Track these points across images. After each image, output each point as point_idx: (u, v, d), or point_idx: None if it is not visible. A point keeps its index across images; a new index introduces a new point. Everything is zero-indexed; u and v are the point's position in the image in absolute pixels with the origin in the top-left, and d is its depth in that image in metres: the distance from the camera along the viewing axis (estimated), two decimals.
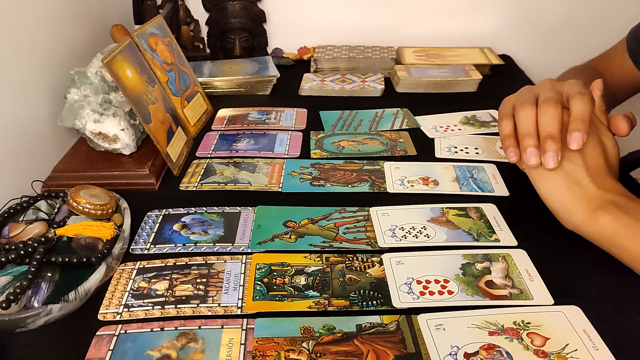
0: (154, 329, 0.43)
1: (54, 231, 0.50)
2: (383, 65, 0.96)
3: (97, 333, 0.43)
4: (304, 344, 0.41)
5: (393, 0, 1.03)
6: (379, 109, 0.83)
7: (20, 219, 0.54)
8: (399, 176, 0.64)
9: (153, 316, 0.45)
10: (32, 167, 0.63)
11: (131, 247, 0.53)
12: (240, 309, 0.45)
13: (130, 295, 0.47)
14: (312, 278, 0.48)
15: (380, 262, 0.50)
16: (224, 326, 0.43)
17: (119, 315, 0.45)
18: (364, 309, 0.45)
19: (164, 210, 0.59)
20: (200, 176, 0.65)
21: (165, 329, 0.43)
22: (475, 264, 0.49)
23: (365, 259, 0.50)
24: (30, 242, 0.47)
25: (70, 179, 0.62)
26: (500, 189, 0.61)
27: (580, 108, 0.47)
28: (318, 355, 0.40)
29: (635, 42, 0.70)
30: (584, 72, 0.72)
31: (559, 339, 0.41)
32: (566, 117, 0.49)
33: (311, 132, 0.76)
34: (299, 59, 1.05)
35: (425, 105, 0.84)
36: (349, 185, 0.63)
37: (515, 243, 0.52)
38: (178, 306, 0.46)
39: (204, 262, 0.51)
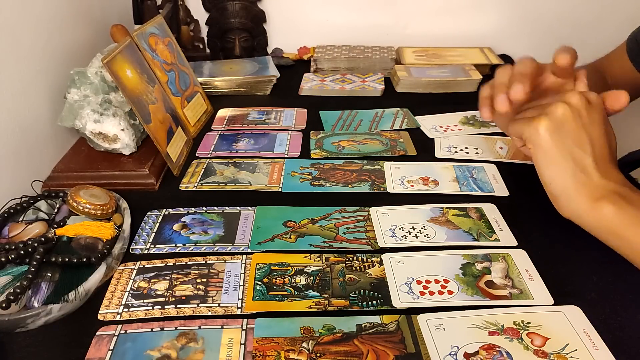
0: (154, 329, 0.43)
1: (54, 231, 0.50)
2: (383, 65, 0.96)
3: (97, 333, 0.43)
4: (304, 344, 0.41)
5: (393, 0, 1.03)
6: (379, 109, 0.83)
7: (20, 219, 0.54)
8: (399, 176, 0.64)
9: (153, 316, 0.45)
10: (32, 167, 0.63)
11: (131, 247, 0.53)
12: (240, 309, 0.45)
13: (130, 295, 0.47)
14: (312, 278, 0.48)
15: (380, 262, 0.50)
16: (224, 326, 0.43)
17: (119, 315, 0.45)
18: (364, 309, 0.45)
19: (164, 210, 0.59)
20: (200, 176, 0.65)
21: (165, 329, 0.43)
22: (475, 264, 0.49)
23: (365, 259, 0.50)
24: (30, 242, 0.47)
25: (70, 179, 0.62)
26: (500, 189, 0.61)
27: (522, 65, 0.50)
28: (318, 355, 0.40)
29: (636, 44, 0.70)
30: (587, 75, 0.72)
31: (559, 339, 0.41)
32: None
33: (311, 132, 0.76)
34: (299, 59, 1.05)
35: (425, 105, 0.84)
36: (349, 185, 0.63)
37: (515, 243, 0.52)
38: (178, 306, 0.46)
39: (204, 262, 0.51)
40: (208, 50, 1.06)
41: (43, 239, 0.48)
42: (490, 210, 0.57)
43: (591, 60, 0.78)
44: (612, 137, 0.50)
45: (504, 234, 0.53)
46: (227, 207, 0.59)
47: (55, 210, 0.55)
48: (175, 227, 0.56)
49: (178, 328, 0.43)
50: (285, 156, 0.70)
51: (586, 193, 0.46)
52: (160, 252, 0.52)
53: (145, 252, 0.53)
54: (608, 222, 0.45)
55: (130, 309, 0.45)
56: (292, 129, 0.77)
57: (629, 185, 0.47)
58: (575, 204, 0.47)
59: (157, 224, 0.56)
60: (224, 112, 0.83)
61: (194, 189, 0.63)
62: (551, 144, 0.47)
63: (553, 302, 0.45)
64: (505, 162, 0.66)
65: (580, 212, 0.47)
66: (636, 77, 0.70)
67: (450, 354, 0.40)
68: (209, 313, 0.45)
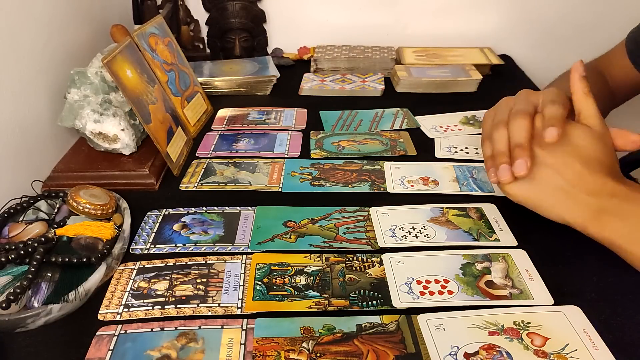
0: (154, 329, 0.43)
1: (54, 231, 0.50)
2: (383, 65, 0.96)
3: (97, 333, 0.43)
4: (304, 344, 0.41)
5: (393, 0, 1.03)
6: (379, 109, 0.83)
7: (20, 219, 0.54)
8: (399, 176, 0.64)
9: (153, 316, 0.45)
10: (32, 167, 0.63)
11: (131, 247, 0.53)
12: (240, 309, 0.45)
13: (130, 295, 0.47)
14: (312, 278, 0.48)
15: (380, 262, 0.50)
16: (224, 326, 0.43)
17: (119, 315, 0.45)
18: (364, 309, 0.45)
19: (164, 210, 0.59)
20: (200, 176, 0.65)
21: (165, 329, 0.43)
22: (475, 264, 0.49)
23: (365, 259, 0.50)
24: (30, 242, 0.47)
25: (70, 179, 0.62)
26: None
27: (551, 112, 0.48)
28: (318, 355, 0.40)
29: (634, 43, 0.70)
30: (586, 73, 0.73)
31: (559, 339, 0.41)
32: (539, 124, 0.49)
33: (311, 132, 0.76)
34: (299, 59, 1.05)
35: (425, 105, 0.84)
36: (349, 185, 0.63)
37: (515, 243, 0.52)
38: (178, 306, 0.46)
39: (204, 262, 0.51)
40: (208, 50, 1.06)
41: (43, 239, 0.48)
42: (490, 210, 0.57)
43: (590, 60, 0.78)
44: (581, 145, 0.47)
45: (504, 234, 0.53)
46: (227, 207, 0.59)
47: (55, 210, 0.55)
48: (175, 227, 0.56)
49: (178, 328, 0.43)
50: (285, 156, 0.70)
51: (579, 217, 0.47)
52: (160, 252, 0.52)
53: (145, 252, 0.53)
54: (606, 240, 0.46)
55: (130, 309, 0.45)
56: (292, 129, 0.77)
57: (620, 194, 0.46)
58: (574, 225, 0.48)
59: (157, 224, 0.56)
60: (224, 112, 0.83)
61: (194, 189, 0.63)
62: (525, 195, 0.49)
63: (553, 302, 0.45)
64: None
65: (582, 230, 0.48)
66: (636, 76, 0.70)
67: (450, 354, 0.40)
68: (209, 313, 0.45)
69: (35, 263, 0.45)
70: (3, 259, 0.46)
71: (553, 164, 0.47)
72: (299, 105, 0.85)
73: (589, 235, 0.47)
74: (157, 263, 0.51)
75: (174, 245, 0.53)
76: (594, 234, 0.47)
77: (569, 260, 0.50)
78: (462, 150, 0.70)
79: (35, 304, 0.44)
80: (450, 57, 0.99)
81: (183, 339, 0.42)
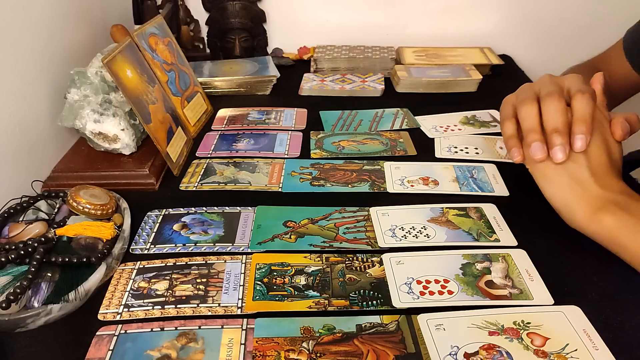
0: (154, 329, 0.43)
1: (54, 231, 0.50)
2: (383, 65, 0.96)
3: (97, 333, 0.43)
4: (304, 344, 0.41)
5: (393, 0, 1.03)
6: (379, 109, 0.83)
7: (20, 219, 0.54)
8: (399, 176, 0.64)
9: (153, 316, 0.45)
10: (32, 167, 0.63)
11: (131, 247, 0.53)
12: (240, 309, 0.45)
13: (130, 295, 0.47)
14: (312, 278, 0.48)
15: (380, 262, 0.50)
16: (224, 326, 0.43)
17: (119, 315, 0.45)
18: (364, 309, 0.45)
19: (164, 210, 0.59)
20: (200, 176, 0.65)
21: (165, 329, 0.43)
22: (475, 264, 0.49)
23: (365, 259, 0.50)
24: (30, 242, 0.47)
25: (70, 179, 0.62)
26: (500, 189, 0.61)
27: (582, 107, 0.48)
28: (318, 355, 0.40)
29: (632, 42, 0.70)
30: (584, 72, 0.73)
31: (559, 339, 0.41)
32: (569, 113, 0.49)
33: (311, 132, 0.76)
34: (299, 59, 1.05)
35: (425, 105, 0.84)
36: (349, 185, 0.63)
37: (515, 243, 0.52)
38: (178, 306, 0.46)
39: (204, 262, 0.51)
40: (208, 50, 1.06)
41: (43, 239, 0.48)
42: (490, 210, 0.57)
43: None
44: (612, 141, 0.50)
45: (504, 234, 0.53)
46: (227, 207, 0.59)
47: (55, 210, 0.55)
48: (175, 227, 0.56)
49: (178, 328, 0.43)
50: (285, 156, 0.70)
51: (585, 205, 0.47)
52: (160, 252, 0.52)
53: (145, 252, 0.53)
54: (608, 232, 0.46)
55: (130, 309, 0.45)
56: (292, 129, 0.77)
57: (629, 193, 0.47)
58: (576, 216, 0.48)
59: (157, 224, 0.56)
60: (224, 112, 0.83)
61: (194, 189, 0.63)
62: (542, 168, 0.49)
63: (553, 302, 0.45)
64: (505, 162, 0.66)
65: (582, 224, 0.48)
66: (635, 74, 0.70)
67: (450, 354, 0.40)
68: (209, 313, 0.45)
69: (35, 263, 0.45)
70: (3, 259, 0.46)
71: (586, 149, 0.48)
72: (299, 105, 0.85)
73: (587, 229, 0.47)
74: (157, 263, 0.51)
75: (174, 245, 0.53)
76: (594, 228, 0.47)
77: (569, 260, 0.50)
78: (462, 150, 0.70)
79: (35, 304, 0.44)
80: (450, 57, 0.99)
81: (183, 339, 0.42)
